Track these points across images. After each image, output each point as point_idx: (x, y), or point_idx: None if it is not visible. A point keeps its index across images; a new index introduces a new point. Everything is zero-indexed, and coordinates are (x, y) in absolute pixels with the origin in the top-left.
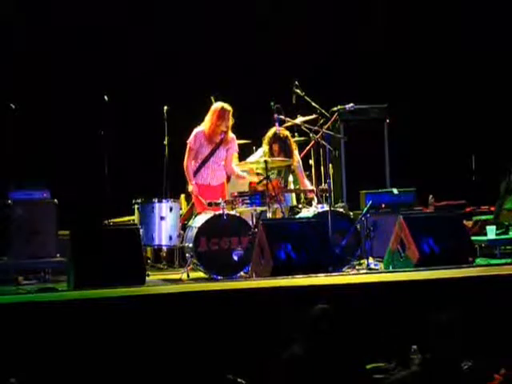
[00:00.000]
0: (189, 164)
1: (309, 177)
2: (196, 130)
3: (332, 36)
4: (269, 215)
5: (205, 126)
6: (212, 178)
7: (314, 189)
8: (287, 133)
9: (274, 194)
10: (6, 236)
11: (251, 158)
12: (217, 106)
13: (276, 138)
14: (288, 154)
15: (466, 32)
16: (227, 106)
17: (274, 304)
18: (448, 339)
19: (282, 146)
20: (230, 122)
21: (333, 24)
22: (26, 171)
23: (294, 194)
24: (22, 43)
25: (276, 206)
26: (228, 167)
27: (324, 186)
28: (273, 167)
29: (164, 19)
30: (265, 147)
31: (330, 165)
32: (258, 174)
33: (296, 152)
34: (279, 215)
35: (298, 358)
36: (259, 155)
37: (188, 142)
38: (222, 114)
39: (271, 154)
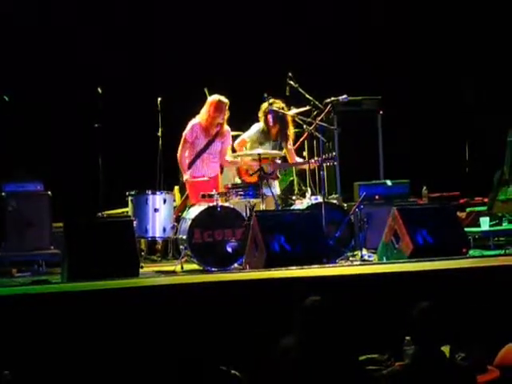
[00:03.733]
0: (183, 155)
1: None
2: (192, 122)
3: (327, 28)
4: (262, 207)
5: (201, 117)
6: (206, 170)
7: (317, 160)
8: (283, 105)
9: (270, 170)
10: None
11: (247, 134)
12: (214, 98)
13: (269, 110)
14: (283, 125)
15: (459, 24)
16: (224, 99)
17: (268, 296)
18: (428, 327)
19: (276, 117)
20: (227, 114)
21: (328, 16)
22: (20, 163)
23: (278, 184)
24: (17, 36)
25: (268, 194)
26: (222, 160)
27: (330, 154)
28: (266, 158)
29: (158, 10)
30: (261, 119)
31: (324, 156)
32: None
33: (291, 126)
34: (271, 204)
35: (291, 349)
36: (256, 130)
37: (184, 133)
38: (219, 106)
39: (267, 125)
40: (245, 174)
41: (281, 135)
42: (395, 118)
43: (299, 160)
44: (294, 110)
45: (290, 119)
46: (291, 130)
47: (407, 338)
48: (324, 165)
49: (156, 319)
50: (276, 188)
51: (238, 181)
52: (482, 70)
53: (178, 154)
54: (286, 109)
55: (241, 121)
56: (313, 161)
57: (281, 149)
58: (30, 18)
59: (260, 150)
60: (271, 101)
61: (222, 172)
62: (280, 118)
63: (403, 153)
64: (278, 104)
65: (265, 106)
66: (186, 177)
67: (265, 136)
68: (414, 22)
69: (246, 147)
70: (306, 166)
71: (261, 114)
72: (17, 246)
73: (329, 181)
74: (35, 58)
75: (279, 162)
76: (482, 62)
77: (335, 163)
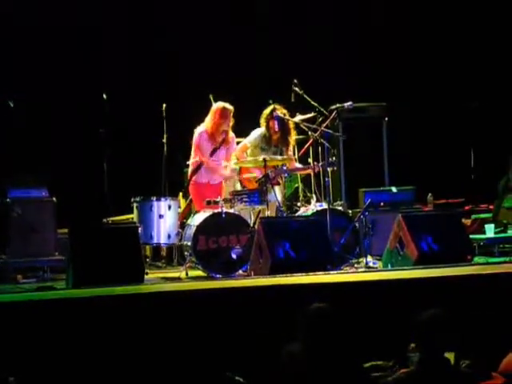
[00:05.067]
0: (200, 157)
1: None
2: (198, 130)
3: (331, 34)
4: (267, 213)
5: (206, 125)
6: (211, 176)
7: (313, 164)
8: (285, 111)
9: (271, 176)
10: (4, 234)
11: (247, 140)
12: (218, 105)
13: (273, 115)
14: (285, 131)
15: (465, 30)
16: (229, 106)
17: (273, 302)
18: (433, 334)
19: (279, 123)
20: (231, 121)
21: (332, 22)
22: (25, 169)
23: (280, 190)
24: (21, 40)
25: (273, 199)
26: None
27: (331, 160)
28: (272, 165)
29: (163, 17)
30: (262, 125)
31: (324, 162)
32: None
33: (293, 132)
34: (273, 209)
35: (295, 356)
36: (257, 135)
37: (195, 142)
38: (224, 113)
39: (269, 132)
40: (246, 180)
41: (282, 141)
42: (400, 125)
43: (299, 166)
44: (300, 117)
45: (292, 126)
46: (292, 137)
47: (412, 344)
48: (329, 171)
49: (161, 326)
50: (277, 194)
51: (238, 187)
52: (487, 76)
53: (195, 161)
54: (287, 115)
55: (245, 128)
56: (312, 166)
57: (281, 155)
58: (34, 21)
59: (266, 156)
60: (276, 106)
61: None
62: (283, 124)
63: (408, 159)
64: (280, 110)
65: (267, 111)
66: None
67: (266, 141)
68: (419, 28)
69: (246, 153)
70: (307, 172)
71: (263, 120)
72: (21, 252)
73: (334, 187)
74: (40, 63)
75: (279, 167)
76: (486, 66)
77: (335, 168)
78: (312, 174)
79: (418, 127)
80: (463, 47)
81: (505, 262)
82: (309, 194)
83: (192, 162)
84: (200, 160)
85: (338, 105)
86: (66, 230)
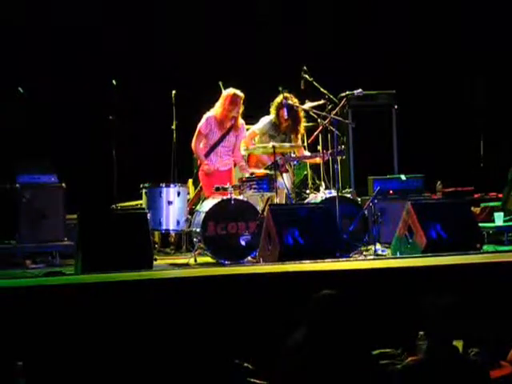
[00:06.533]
0: (198, 146)
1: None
2: (207, 116)
3: (341, 21)
4: (277, 200)
5: (216, 111)
6: (220, 163)
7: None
8: (296, 100)
9: (280, 163)
10: (13, 220)
11: (256, 127)
12: (229, 91)
13: (283, 103)
14: (295, 120)
15: (473, 18)
16: (239, 92)
17: (281, 289)
18: (443, 322)
19: (289, 112)
20: (241, 108)
21: (338, 11)
22: (34, 155)
23: (288, 177)
24: (30, 27)
25: (282, 186)
26: (236, 154)
27: (340, 148)
28: (281, 152)
29: (173, 2)
30: (272, 113)
31: (333, 150)
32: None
33: (303, 121)
34: (282, 196)
35: (303, 343)
36: (266, 122)
37: (199, 126)
38: (234, 99)
39: (278, 119)
40: (254, 167)
41: (291, 129)
42: (410, 112)
43: (308, 154)
44: (309, 104)
45: (302, 115)
46: (302, 126)
47: (421, 332)
48: (338, 159)
49: (169, 312)
50: (286, 181)
51: (246, 174)
52: (494, 66)
53: (193, 146)
54: (298, 103)
55: (255, 114)
56: (321, 154)
57: (289, 142)
58: (43, 7)
59: (275, 143)
60: (287, 95)
61: (235, 165)
62: (293, 113)
63: (418, 147)
64: (291, 99)
65: (278, 100)
66: (205, 167)
67: (275, 129)
68: (429, 16)
69: (255, 140)
70: (315, 160)
71: (273, 108)
72: (31, 238)
73: (343, 175)
74: (50, 50)
75: (288, 155)
76: (494, 57)
77: (343, 157)
78: (321, 162)
79: (428, 115)
80: (471, 35)
81: None
82: (318, 182)
83: (194, 146)
84: (200, 162)
85: (347, 92)
86: (75, 216)
